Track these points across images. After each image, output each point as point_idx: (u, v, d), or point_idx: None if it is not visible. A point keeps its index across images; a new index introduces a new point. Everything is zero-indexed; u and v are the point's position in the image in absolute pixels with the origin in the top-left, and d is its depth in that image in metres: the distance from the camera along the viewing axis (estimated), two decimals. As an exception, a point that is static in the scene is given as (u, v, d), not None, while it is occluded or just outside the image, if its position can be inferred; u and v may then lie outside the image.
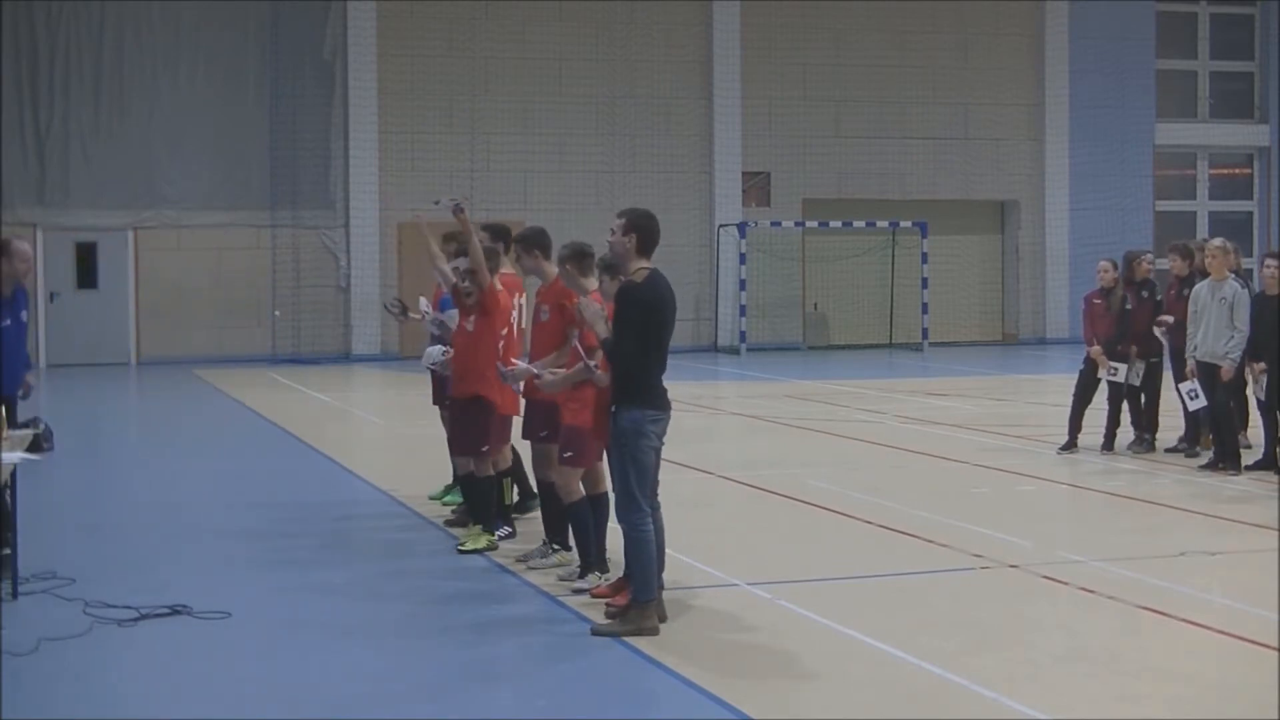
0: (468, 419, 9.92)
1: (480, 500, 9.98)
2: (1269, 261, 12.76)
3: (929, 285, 29.48)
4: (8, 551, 8.56)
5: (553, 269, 9.37)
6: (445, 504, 11.54)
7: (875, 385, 22.12)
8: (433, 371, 11.17)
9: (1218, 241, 13.37)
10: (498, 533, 10.00)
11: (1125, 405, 14.40)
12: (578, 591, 8.63)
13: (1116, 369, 14.14)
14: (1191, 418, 13.88)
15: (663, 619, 7.84)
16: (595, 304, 8.22)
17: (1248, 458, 13.09)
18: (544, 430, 9.33)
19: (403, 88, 27.59)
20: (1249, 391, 13.19)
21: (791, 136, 29.66)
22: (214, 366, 25.32)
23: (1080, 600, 8.57)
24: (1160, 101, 31.98)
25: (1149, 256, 14.86)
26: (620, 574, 8.43)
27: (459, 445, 10.13)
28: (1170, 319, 13.90)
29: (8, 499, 8.59)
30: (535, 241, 9.58)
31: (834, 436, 16.18)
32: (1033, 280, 31.30)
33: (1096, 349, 14.24)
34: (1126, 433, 14.47)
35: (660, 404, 7.92)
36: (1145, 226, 31.08)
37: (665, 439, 8.04)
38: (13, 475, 8.47)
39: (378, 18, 27.32)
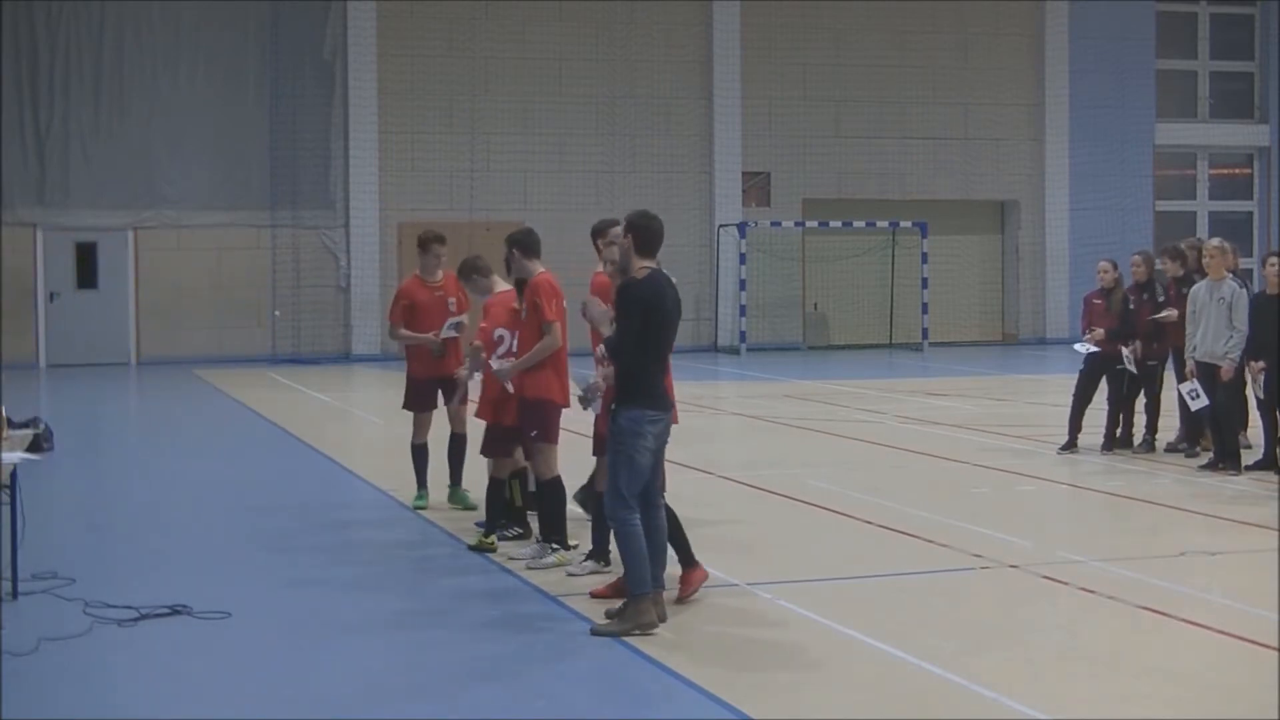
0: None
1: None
2: (1271, 260, 12.73)
3: (929, 285, 29.48)
4: None
5: (537, 268, 9.58)
6: (451, 504, 11.57)
7: (875, 385, 22.12)
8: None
9: (1215, 241, 13.36)
10: (507, 532, 10.04)
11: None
12: (571, 575, 8.92)
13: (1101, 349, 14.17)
14: (1189, 418, 13.88)
15: (662, 619, 7.84)
16: (601, 304, 8.26)
17: (1248, 458, 13.09)
18: (535, 429, 9.44)
19: (403, 88, 27.59)
20: (1248, 391, 13.19)
21: (791, 136, 29.65)
22: (214, 367, 25.31)
23: (1080, 600, 8.56)
24: (1160, 101, 31.98)
25: (1136, 259, 14.69)
26: (619, 574, 8.44)
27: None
28: (1173, 313, 13.90)
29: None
30: (517, 242, 9.72)
31: (834, 436, 16.18)
32: (1033, 280, 31.30)
33: (1099, 332, 14.16)
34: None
35: (660, 404, 7.92)
36: (1145, 226, 31.09)
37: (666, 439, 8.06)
38: (13, 475, 8.47)
39: (378, 18, 27.32)
